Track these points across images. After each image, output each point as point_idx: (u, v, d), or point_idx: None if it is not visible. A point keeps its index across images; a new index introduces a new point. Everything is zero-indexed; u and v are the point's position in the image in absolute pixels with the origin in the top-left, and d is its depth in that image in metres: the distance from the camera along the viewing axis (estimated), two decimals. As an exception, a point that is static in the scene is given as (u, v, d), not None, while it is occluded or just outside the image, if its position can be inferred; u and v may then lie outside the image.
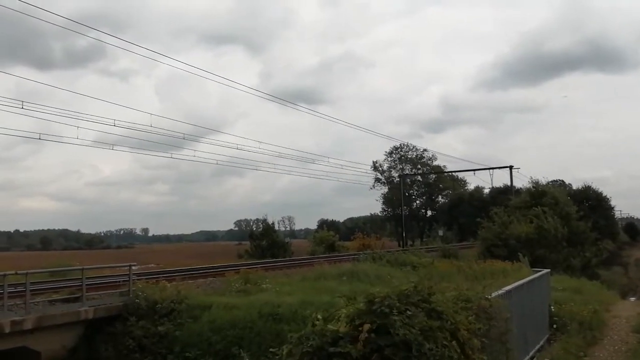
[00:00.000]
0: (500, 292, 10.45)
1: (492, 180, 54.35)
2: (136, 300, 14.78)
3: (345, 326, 6.23)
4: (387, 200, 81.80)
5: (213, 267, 25.62)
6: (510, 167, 51.98)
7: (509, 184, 53.89)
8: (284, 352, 6.30)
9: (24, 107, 22.74)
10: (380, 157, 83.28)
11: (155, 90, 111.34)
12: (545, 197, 37.30)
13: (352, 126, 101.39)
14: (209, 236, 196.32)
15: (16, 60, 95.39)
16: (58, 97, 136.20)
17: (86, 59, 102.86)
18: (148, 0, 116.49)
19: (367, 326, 6.03)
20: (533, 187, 40.12)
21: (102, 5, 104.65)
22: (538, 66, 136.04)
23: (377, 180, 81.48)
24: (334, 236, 49.37)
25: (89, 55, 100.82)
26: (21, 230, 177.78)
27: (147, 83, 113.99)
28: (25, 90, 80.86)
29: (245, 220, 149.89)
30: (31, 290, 13.41)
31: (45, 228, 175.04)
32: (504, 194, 57.15)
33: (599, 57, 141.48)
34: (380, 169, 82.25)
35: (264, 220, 49.42)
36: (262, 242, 44.13)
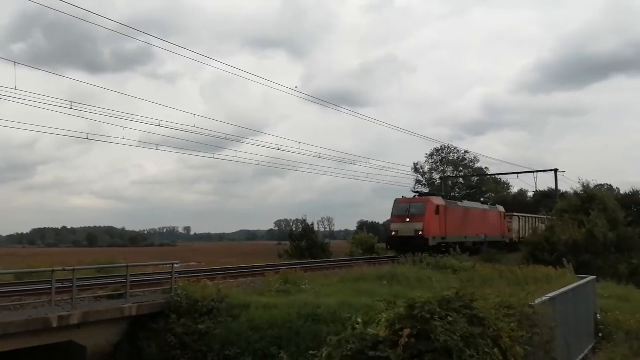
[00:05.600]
0: (543, 299, 10.27)
1: (536, 183, 53.62)
2: (177, 298, 15.00)
3: (385, 330, 6.21)
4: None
5: (253, 267, 25.85)
6: (555, 171, 50.78)
7: (553, 187, 52.76)
8: (324, 355, 6.32)
9: (72, 107, 23.33)
10: (420, 158, 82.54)
11: (200, 92, 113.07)
12: (594, 201, 36.38)
13: (393, 127, 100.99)
14: (250, 235, 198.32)
15: (69, 64, 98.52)
16: (108, 99, 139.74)
17: (135, 62, 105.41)
18: (196, 5, 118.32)
19: (407, 331, 6.01)
20: (582, 190, 39.16)
21: (151, 10, 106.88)
22: (582, 69, 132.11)
23: (418, 182, 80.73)
24: (374, 238, 49.15)
25: (138, 58, 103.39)
26: (69, 227, 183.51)
27: (192, 85, 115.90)
28: (79, 93, 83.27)
29: (285, 220, 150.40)
30: (78, 286, 13.74)
31: (92, 225, 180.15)
32: (548, 197, 55.98)
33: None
34: (422, 170, 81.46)
35: (304, 221, 49.56)
36: (302, 242, 44.30)
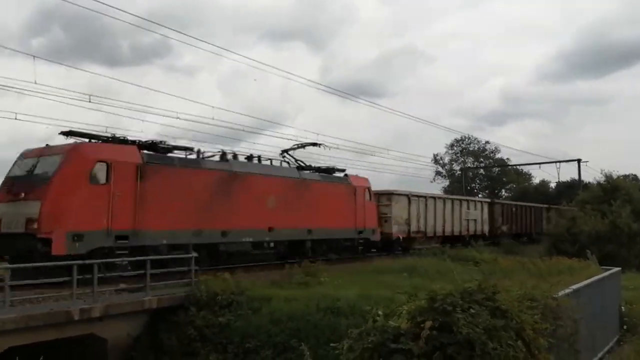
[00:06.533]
0: (567, 290, 10.14)
1: (558, 173, 52.72)
2: (197, 291, 15.05)
3: (407, 323, 6.16)
4: (448, 193, 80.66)
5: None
6: (578, 161, 50.23)
7: (576, 177, 52.19)
8: (345, 347, 6.29)
9: (91, 101, 23.38)
10: (440, 149, 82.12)
11: (218, 84, 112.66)
12: (619, 191, 35.88)
13: (412, 118, 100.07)
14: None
15: (88, 58, 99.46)
16: (127, 93, 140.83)
17: (153, 55, 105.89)
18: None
19: (429, 323, 5.94)
20: (605, 181, 38.66)
21: (169, 3, 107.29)
22: (604, 57, 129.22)
23: (438, 173, 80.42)
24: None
25: (156, 51, 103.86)
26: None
27: (210, 78, 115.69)
28: (97, 87, 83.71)
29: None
30: (99, 278, 13.80)
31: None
32: (571, 188, 55.39)
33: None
34: (441, 161, 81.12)
35: (323, 213, 49.17)
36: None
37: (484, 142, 79.68)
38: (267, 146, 58.23)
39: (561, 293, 9.54)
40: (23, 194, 15.33)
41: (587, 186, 47.85)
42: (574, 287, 10.91)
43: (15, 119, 21.09)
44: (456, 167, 79.64)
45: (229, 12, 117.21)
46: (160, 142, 18.75)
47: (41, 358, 7.44)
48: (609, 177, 38.71)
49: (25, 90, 21.15)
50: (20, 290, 13.06)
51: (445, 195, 37.31)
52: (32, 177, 15.61)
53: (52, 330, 12.28)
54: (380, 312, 6.59)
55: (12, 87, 20.78)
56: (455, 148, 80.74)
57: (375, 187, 29.17)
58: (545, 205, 49.12)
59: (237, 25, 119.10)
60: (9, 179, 16.21)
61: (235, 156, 21.28)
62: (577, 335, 9.13)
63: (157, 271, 15.39)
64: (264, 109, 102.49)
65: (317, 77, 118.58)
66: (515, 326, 6.49)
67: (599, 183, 40.03)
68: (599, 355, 12.55)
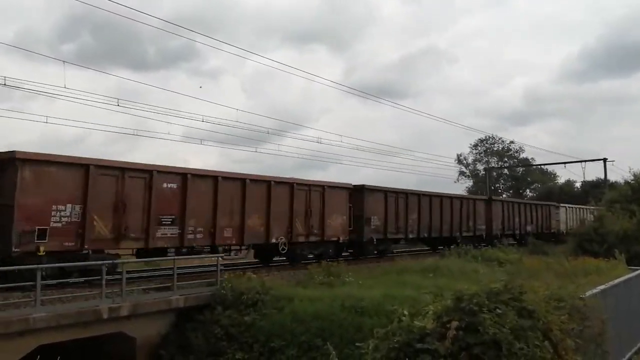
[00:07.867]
0: (594, 291, 10.06)
1: (584, 173, 52.06)
2: (223, 291, 15.21)
3: (433, 323, 6.17)
4: (472, 193, 80.00)
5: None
6: (604, 160, 49.61)
7: (602, 177, 51.47)
8: (370, 347, 6.32)
9: (119, 104, 23.60)
10: (462, 150, 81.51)
11: (242, 87, 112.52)
12: None
13: (435, 118, 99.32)
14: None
15: (116, 62, 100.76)
16: (153, 96, 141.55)
17: (179, 59, 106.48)
18: (236, 1, 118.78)
19: (455, 323, 5.96)
20: (633, 180, 38.05)
21: (194, 7, 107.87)
22: (631, 55, 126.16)
23: (462, 173, 79.83)
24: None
25: (182, 55, 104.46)
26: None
27: (235, 81, 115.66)
28: (125, 90, 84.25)
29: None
30: (126, 279, 14.05)
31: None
32: (596, 187, 54.65)
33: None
34: (465, 162, 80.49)
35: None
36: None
37: (508, 141, 78.94)
38: (292, 147, 58.36)
39: (588, 293, 9.48)
40: None
41: (613, 185, 47.16)
42: (601, 287, 10.81)
43: (46, 122, 21.47)
44: (480, 167, 79.00)
45: (252, 15, 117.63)
46: None
47: (58, 358, 7.49)
48: (637, 176, 38.10)
49: (56, 94, 21.50)
50: (51, 289, 13.36)
51: None
52: None
53: (81, 328, 12.51)
54: (405, 312, 6.61)
55: (43, 92, 21.12)
56: (479, 148, 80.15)
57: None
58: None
59: (260, 27, 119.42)
60: None
61: None
62: (604, 335, 9.04)
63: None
64: (287, 110, 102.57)
65: (340, 78, 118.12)
66: (542, 326, 6.47)
67: (627, 182, 39.44)
68: (627, 355, 12.40)
